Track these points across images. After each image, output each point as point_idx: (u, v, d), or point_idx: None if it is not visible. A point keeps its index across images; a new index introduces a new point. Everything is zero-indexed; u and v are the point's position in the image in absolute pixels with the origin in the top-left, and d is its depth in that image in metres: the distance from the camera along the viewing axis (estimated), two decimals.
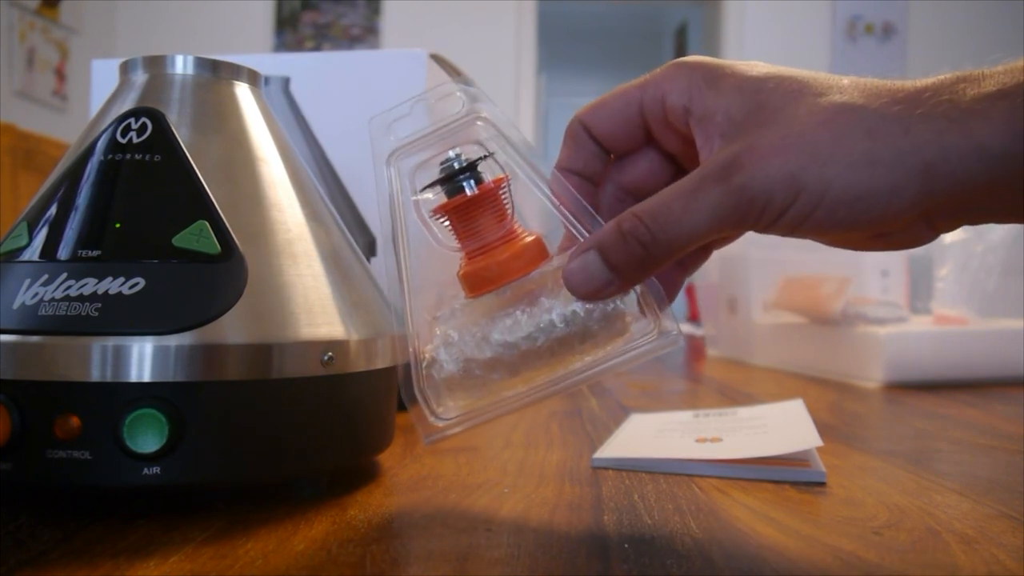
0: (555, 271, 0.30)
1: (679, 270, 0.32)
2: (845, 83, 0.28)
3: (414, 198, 0.32)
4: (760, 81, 0.28)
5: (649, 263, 0.28)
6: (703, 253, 0.33)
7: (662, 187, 0.28)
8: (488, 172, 0.31)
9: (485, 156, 0.31)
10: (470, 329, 0.30)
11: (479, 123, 0.31)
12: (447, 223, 0.31)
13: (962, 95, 0.26)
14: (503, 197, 0.31)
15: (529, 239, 0.31)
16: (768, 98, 0.28)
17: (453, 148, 0.31)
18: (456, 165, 0.30)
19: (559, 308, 0.29)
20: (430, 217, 0.31)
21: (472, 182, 0.31)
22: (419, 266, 0.32)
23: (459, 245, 0.31)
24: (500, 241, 0.30)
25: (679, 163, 0.32)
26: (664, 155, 0.32)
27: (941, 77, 0.27)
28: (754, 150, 0.27)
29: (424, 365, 0.30)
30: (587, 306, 0.29)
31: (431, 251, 0.32)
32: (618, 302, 0.29)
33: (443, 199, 0.31)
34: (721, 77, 0.28)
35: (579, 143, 0.31)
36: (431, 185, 0.31)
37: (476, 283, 0.30)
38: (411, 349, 0.30)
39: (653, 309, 0.29)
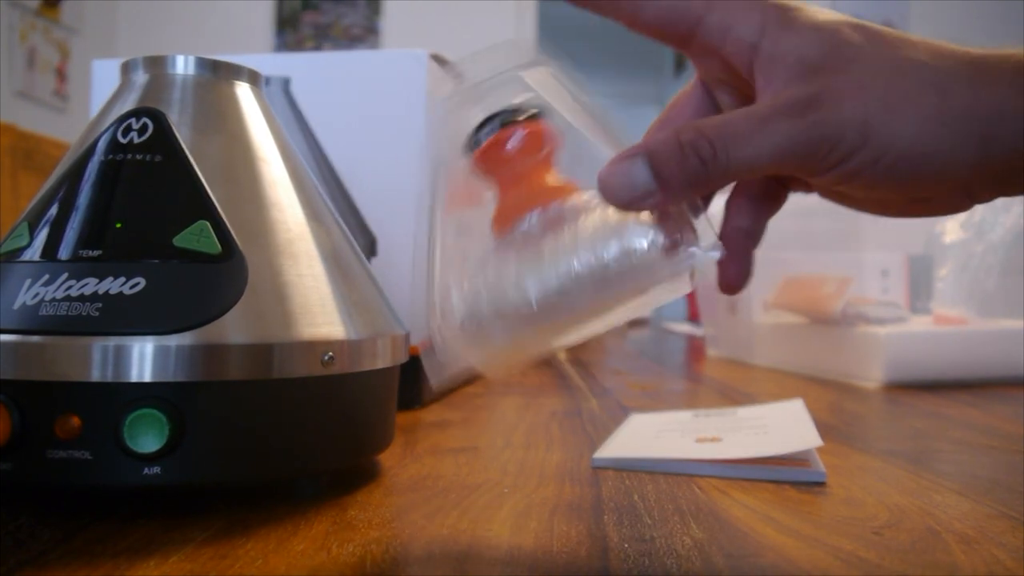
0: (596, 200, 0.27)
1: (749, 239, 0.32)
2: (915, 40, 0.28)
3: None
4: (835, 26, 0.28)
5: (702, 181, 0.27)
6: (765, 211, 0.32)
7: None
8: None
9: (526, 112, 0.28)
10: (498, 269, 0.27)
11: (530, 79, 0.29)
12: (484, 170, 0.28)
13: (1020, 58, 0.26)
14: (538, 142, 0.28)
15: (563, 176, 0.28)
16: (845, 44, 0.27)
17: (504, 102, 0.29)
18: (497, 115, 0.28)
19: (616, 241, 0.26)
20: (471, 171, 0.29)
21: (505, 126, 0.28)
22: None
23: (496, 193, 0.28)
24: (532, 170, 0.28)
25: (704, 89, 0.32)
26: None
27: (1007, 47, 0.27)
28: (831, 91, 0.27)
29: (441, 305, 0.28)
30: (653, 241, 0.26)
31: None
32: (693, 257, 0.26)
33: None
34: (796, 19, 0.28)
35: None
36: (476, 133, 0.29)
37: (504, 214, 0.28)
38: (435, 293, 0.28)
39: (691, 221, 0.27)
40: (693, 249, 0.26)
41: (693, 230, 0.27)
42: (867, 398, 0.66)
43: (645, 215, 0.27)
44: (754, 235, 0.32)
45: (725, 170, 0.27)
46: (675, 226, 0.27)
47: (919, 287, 0.89)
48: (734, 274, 0.31)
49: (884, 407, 0.62)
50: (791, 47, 0.27)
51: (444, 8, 3.79)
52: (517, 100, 0.28)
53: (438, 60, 0.59)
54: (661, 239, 0.26)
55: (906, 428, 0.53)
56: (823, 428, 0.44)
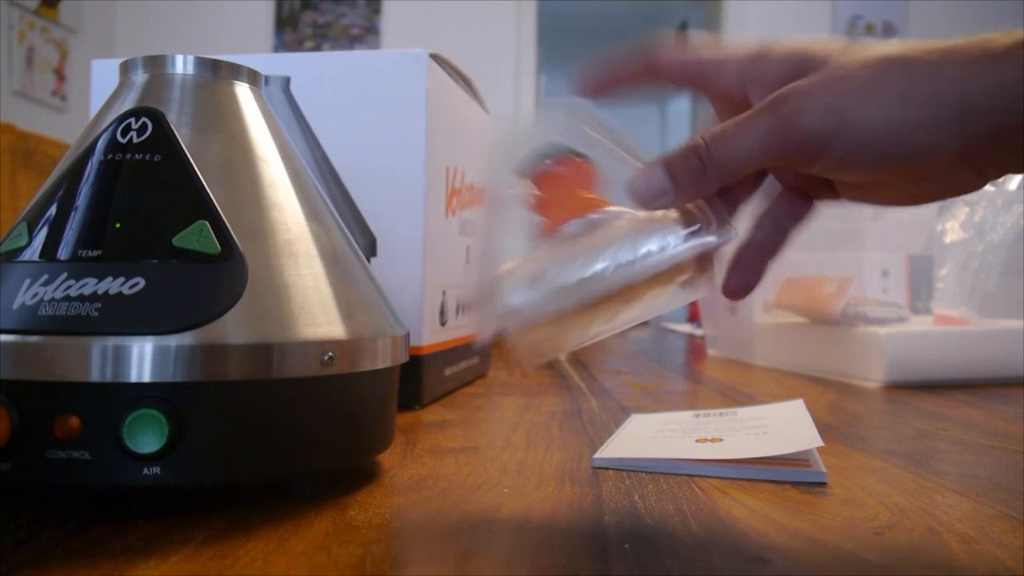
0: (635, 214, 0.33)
1: (760, 253, 0.35)
2: (890, 43, 0.31)
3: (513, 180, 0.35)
4: (807, 42, 0.32)
5: (703, 178, 0.31)
6: (785, 226, 0.35)
7: None
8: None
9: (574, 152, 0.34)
10: (546, 260, 0.31)
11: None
12: (535, 195, 0.34)
13: (993, 43, 0.28)
14: (581, 171, 0.34)
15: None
16: (818, 51, 0.31)
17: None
18: (549, 150, 0.34)
19: (645, 233, 0.31)
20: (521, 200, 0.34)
21: (558, 159, 0.34)
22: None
23: (544, 211, 0.34)
24: (575, 191, 0.34)
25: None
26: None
27: (976, 34, 0.30)
28: (803, 87, 0.30)
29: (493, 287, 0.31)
30: (681, 236, 0.31)
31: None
32: (710, 237, 0.31)
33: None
34: (774, 47, 0.32)
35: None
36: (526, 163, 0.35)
37: (551, 223, 0.33)
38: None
39: (711, 209, 0.32)
40: (709, 236, 0.31)
41: (711, 222, 0.32)
42: (867, 398, 0.66)
43: (672, 214, 0.32)
44: (769, 249, 0.35)
45: (720, 167, 0.31)
46: (695, 220, 0.32)
47: (919, 287, 0.89)
48: (737, 282, 0.35)
49: (884, 407, 0.62)
50: (771, 66, 0.32)
51: (444, 8, 3.79)
52: (565, 142, 0.35)
53: (438, 60, 0.58)
54: (682, 229, 0.31)
55: (906, 428, 0.53)
56: (823, 428, 0.44)
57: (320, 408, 0.31)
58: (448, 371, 0.62)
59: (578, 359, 0.95)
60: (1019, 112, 0.27)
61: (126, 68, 0.35)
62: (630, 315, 0.32)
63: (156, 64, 0.35)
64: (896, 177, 0.31)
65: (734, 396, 0.65)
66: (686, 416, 0.50)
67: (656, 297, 0.32)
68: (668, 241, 0.31)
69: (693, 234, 0.31)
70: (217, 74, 0.35)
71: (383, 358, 0.34)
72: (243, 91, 0.35)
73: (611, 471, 0.38)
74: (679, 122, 5.58)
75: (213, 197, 0.31)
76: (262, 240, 0.31)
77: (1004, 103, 0.27)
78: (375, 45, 3.77)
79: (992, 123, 0.28)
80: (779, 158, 0.31)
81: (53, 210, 0.31)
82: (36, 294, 0.28)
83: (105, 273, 0.29)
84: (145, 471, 0.28)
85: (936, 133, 0.28)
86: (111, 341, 0.27)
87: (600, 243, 0.31)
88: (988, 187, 0.35)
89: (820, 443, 0.38)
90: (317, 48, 3.75)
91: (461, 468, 0.38)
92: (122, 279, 0.29)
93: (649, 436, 0.45)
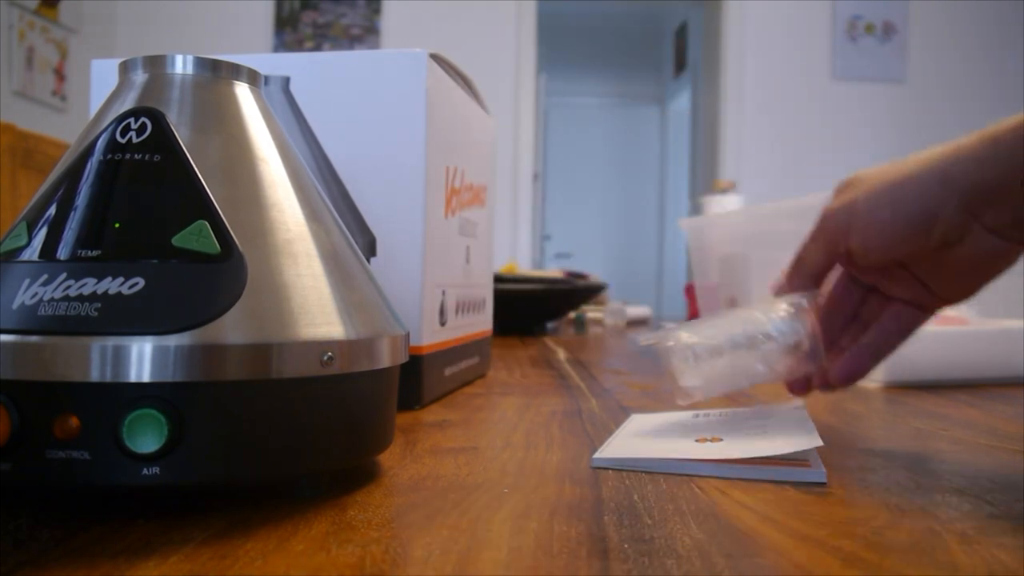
0: (765, 300, 0.46)
1: (873, 352, 0.46)
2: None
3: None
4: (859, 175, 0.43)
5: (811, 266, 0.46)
6: (895, 337, 0.47)
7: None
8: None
9: None
10: (705, 331, 0.45)
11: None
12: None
13: (992, 129, 0.36)
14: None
15: None
16: (860, 177, 0.43)
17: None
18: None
19: (774, 323, 0.44)
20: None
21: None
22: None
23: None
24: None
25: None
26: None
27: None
28: (844, 194, 0.42)
29: (674, 350, 0.45)
30: (786, 331, 0.44)
31: None
32: (803, 336, 0.44)
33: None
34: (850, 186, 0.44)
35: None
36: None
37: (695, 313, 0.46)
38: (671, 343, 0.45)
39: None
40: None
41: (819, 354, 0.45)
42: (867, 398, 0.66)
43: (784, 312, 0.44)
44: (883, 351, 0.46)
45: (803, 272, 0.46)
46: (800, 329, 0.44)
47: None
48: (843, 372, 0.45)
49: (884, 407, 0.62)
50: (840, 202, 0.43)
51: (444, 8, 3.79)
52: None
53: (438, 60, 0.58)
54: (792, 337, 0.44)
55: (906, 428, 0.53)
56: (823, 428, 0.44)
57: (320, 408, 0.31)
58: (448, 371, 0.62)
59: (578, 359, 0.95)
60: (994, 165, 0.36)
61: (126, 68, 0.35)
62: (759, 377, 0.45)
63: (156, 64, 0.35)
64: (922, 261, 0.42)
65: (734, 396, 0.65)
66: (686, 416, 0.50)
67: (771, 371, 0.45)
68: (769, 340, 0.44)
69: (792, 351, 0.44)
70: (217, 74, 0.35)
71: (383, 358, 0.34)
72: (243, 91, 0.35)
73: (611, 471, 0.37)
74: (679, 122, 5.58)
75: (213, 197, 0.31)
76: (262, 240, 0.31)
77: (982, 156, 0.36)
78: (375, 45, 3.78)
79: (974, 180, 0.36)
80: (828, 256, 0.44)
81: (53, 210, 0.31)
82: (36, 294, 0.28)
83: (104, 273, 0.29)
84: (145, 471, 0.28)
85: (927, 193, 0.38)
86: (111, 341, 0.27)
87: (729, 325, 0.45)
88: None
89: (820, 443, 0.38)
90: (317, 48, 3.75)
91: (461, 468, 0.38)
92: (121, 279, 0.29)
93: (649, 436, 0.45)
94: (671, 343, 0.44)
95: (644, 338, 0.46)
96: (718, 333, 0.44)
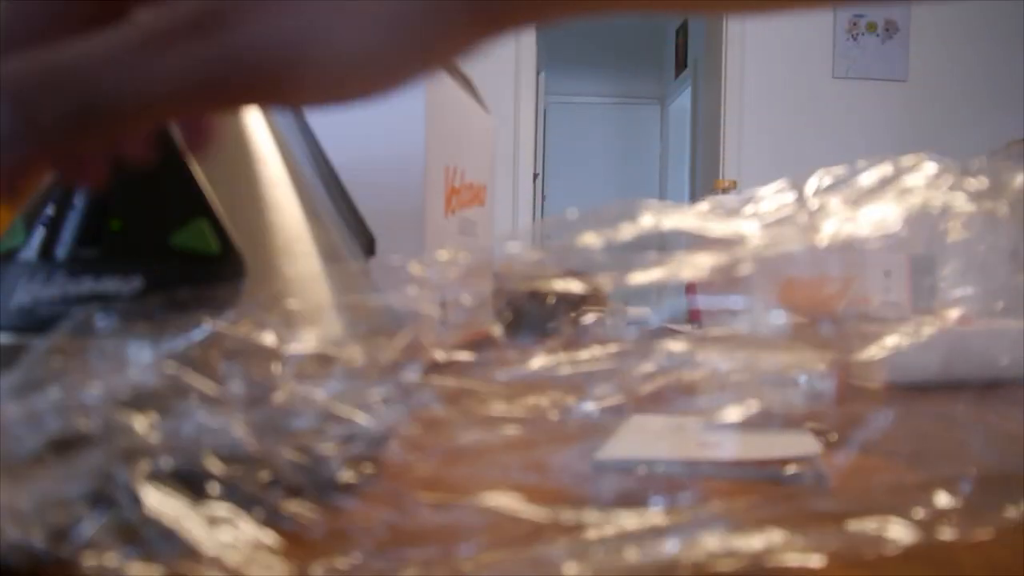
0: None
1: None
2: None
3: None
4: None
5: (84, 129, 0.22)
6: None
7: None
8: None
9: None
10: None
11: None
12: None
13: None
14: None
15: None
16: None
17: None
18: None
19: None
20: None
21: None
22: None
23: None
24: None
25: None
26: None
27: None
28: (240, 7, 0.21)
29: None
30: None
31: None
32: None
33: None
34: None
35: None
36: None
37: None
38: None
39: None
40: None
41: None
42: (868, 398, 0.66)
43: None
44: None
45: (116, 109, 0.22)
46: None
47: (921, 287, 0.89)
48: None
49: (885, 407, 0.62)
50: None
51: None
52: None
53: None
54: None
55: (906, 428, 0.53)
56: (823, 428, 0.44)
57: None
58: None
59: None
60: None
61: None
62: None
63: None
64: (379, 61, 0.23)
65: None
66: (687, 417, 0.50)
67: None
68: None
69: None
70: None
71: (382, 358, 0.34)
72: None
73: (611, 471, 0.37)
74: (680, 121, 5.58)
75: (212, 196, 0.31)
76: (260, 239, 0.31)
77: None
78: None
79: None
80: (208, 99, 0.22)
81: (51, 209, 0.31)
82: (34, 294, 0.28)
83: (103, 272, 0.29)
84: None
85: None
86: (109, 341, 0.27)
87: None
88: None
89: (820, 445, 0.38)
90: None
91: (461, 468, 0.38)
92: (120, 278, 0.28)
93: (649, 436, 0.44)
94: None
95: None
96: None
